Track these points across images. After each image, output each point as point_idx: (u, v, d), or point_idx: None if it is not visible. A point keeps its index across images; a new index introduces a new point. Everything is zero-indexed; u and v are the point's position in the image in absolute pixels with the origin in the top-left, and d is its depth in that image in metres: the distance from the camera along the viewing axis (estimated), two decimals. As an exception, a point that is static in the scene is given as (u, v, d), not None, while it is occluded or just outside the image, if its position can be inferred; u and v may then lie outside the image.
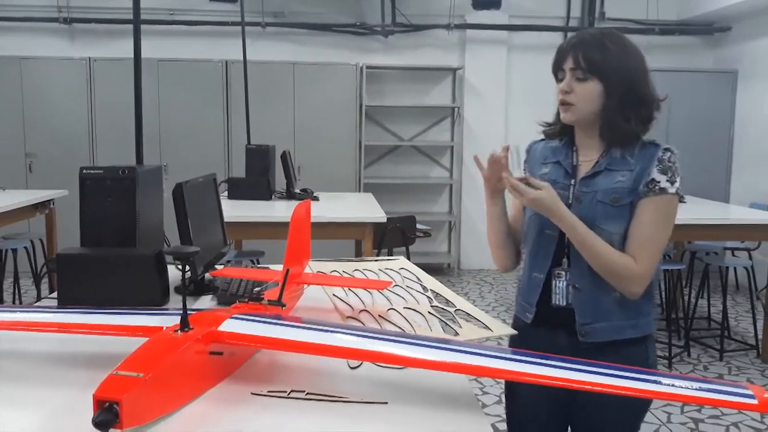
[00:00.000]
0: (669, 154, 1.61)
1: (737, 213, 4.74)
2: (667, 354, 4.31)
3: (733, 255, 5.44)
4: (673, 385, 1.21)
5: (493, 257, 1.87)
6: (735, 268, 5.92)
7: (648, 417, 3.46)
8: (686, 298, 4.94)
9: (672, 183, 1.59)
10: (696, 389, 1.19)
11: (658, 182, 1.58)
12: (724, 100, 6.78)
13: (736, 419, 3.49)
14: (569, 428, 1.78)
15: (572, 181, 1.66)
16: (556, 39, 7.06)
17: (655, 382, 1.22)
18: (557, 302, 1.67)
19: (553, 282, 1.67)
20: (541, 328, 1.70)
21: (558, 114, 1.71)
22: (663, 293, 5.20)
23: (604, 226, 1.58)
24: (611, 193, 1.59)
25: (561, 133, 1.74)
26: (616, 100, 1.58)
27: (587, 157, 1.68)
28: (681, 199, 1.63)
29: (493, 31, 6.95)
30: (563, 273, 1.66)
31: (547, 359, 1.31)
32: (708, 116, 6.72)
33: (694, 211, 4.54)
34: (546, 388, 1.31)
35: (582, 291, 1.63)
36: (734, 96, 6.80)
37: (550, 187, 1.58)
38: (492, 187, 1.71)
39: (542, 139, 1.81)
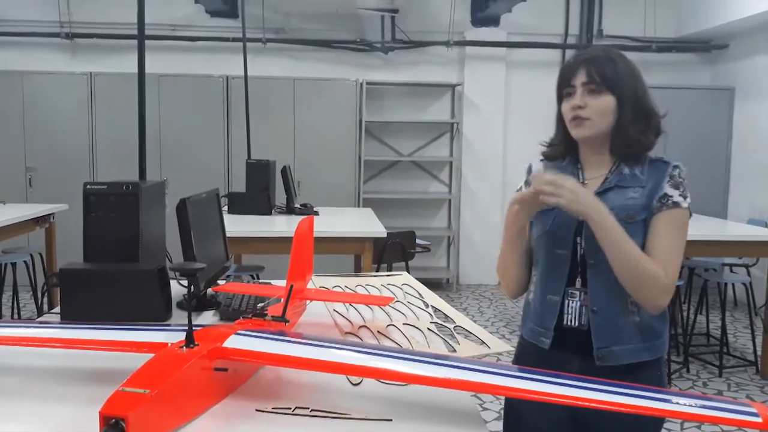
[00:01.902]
0: (678, 170, 1.60)
1: (735, 229, 4.75)
2: (666, 370, 4.30)
3: (732, 271, 5.45)
4: (677, 403, 1.21)
5: (508, 284, 1.77)
6: (733, 285, 5.93)
7: None
8: (685, 314, 4.94)
9: (684, 198, 1.58)
10: (700, 407, 1.19)
11: (671, 197, 1.57)
12: (722, 117, 6.82)
13: (736, 436, 3.48)
14: None
15: None
16: (555, 56, 7.11)
17: (660, 399, 1.22)
18: (569, 323, 1.62)
19: (566, 302, 1.63)
20: (554, 353, 1.64)
21: (558, 134, 1.69)
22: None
23: None
24: (625, 209, 1.56)
25: (564, 153, 1.71)
26: (630, 112, 1.59)
27: (594, 174, 1.66)
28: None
29: (491, 48, 7.00)
30: (577, 293, 1.62)
31: (550, 376, 1.32)
32: (705, 133, 6.75)
33: (692, 227, 4.48)
34: (550, 408, 1.31)
35: (599, 314, 1.59)
36: (731, 113, 6.84)
37: (575, 181, 1.53)
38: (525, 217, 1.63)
39: (541, 160, 1.77)
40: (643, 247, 1.56)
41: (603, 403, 1.20)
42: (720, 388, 4.22)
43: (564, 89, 1.64)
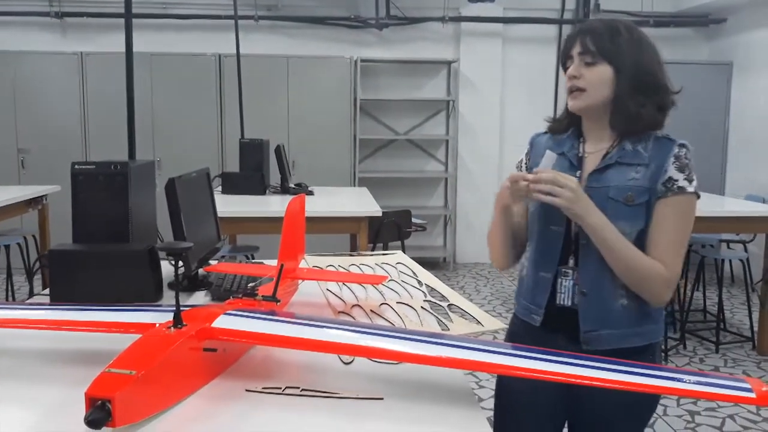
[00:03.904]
0: (685, 150, 1.52)
1: (732, 205, 4.74)
2: (663, 346, 4.32)
3: (729, 247, 5.44)
4: (671, 379, 1.20)
5: (494, 255, 1.75)
6: (730, 261, 5.93)
7: (644, 409, 3.47)
8: (682, 290, 4.94)
9: (690, 181, 1.50)
10: (694, 383, 1.18)
11: (676, 181, 1.49)
12: (720, 92, 6.78)
13: (732, 411, 3.49)
14: (566, 423, 1.73)
15: (578, 173, 1.57)
16: (551, 31, 7.04)
17: (653, 376, 1.21)
18: (562, 302, 1.57)
19: (559, 280, 1.58)
20: (544, 332, 1.61)
21: (567, 108, 1.62)
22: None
23: (615, 224, 1.48)
24: (625, 190, 1.50)
25: (568, 126, 1.65)
26: (629, 84, 1.51)
27: (595, 148, 1.59)
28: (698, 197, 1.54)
29: (487, 24, 6.93)
30: (570, 272, 1.57)
31: (544, 354, 1.30)
32: (703, 108, 6.71)
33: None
34: (543, 385, 1.30)
35: (588, 296, 1.54)
36: (729, 88, 6.79)
37: (577, 182, 1.47)
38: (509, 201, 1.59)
39: (545, 132, 1.73)
40: (644, 231, 1.51)
41: (596, 380, 1.19)
42: (717, 364, 4.23)
43: (565, 61, 1.59)
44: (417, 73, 7.08)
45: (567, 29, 7.08)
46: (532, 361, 1.26)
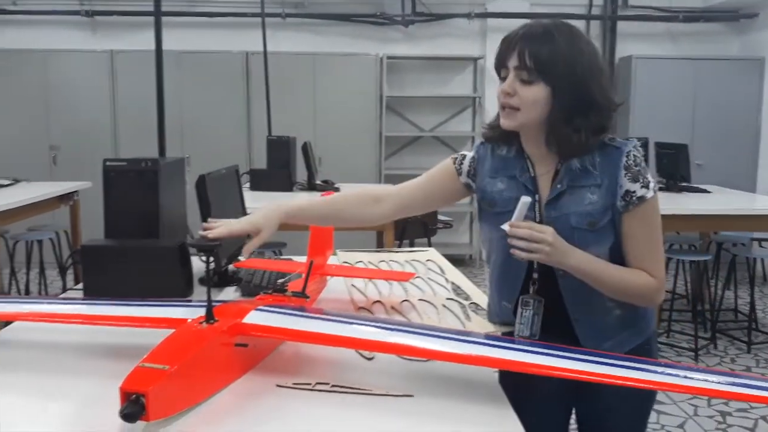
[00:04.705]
0: (633, 155, 1.44)
1: (764, 203, 4.65)
2: (693, 346, 4.26)
3: (761, 246, 5.35)
4: (704, 381, 1.19)
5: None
6: (762, 259, 5.82)
7: (674, 410, 3.43)
8: (713, 289, 4.87)
9: (647, 186, 1.43)
10: (725, 384, 1.17)
11: (634, 192, 1.42)
12: (751, 88, 6.65)
13: (764, 412, 3.43)
14: (574, 411, 1.70)
15: (536, 197, 1.48)
16: (579, 27, 6.95)
17: (686, 377, 1.20)
18: (520, 333, 1.48)
19: (519, 310, 1.49)
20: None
21: (497, 116, 1.51)
22: (689, 285, 5.14)
23: (587, 251, 1.42)
24: (585, 216, 1.43)
25: (504, 138, 1.54)
26: (565, 106, 1.40)
27: (544, 169, 1.49)
28: (663, 189, 1.49)
29: (514, 20, 6.87)
30: (531, 301, 1.49)
31: (569, 352, 1.30)
32: (734, 105, 6.59)
33: (721, 202, 4.47)
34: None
35: (581, 322, 1.50)
36: (761, 84, 6.66)
37: (552, 232, 1.37)
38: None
39: (482, 143, 1.61)
40: (616, 244, 1.45)
41: (625, 379, 1.18)
42: (748, 364, 4.16)
43: (500, 69, 1.47)
44: (443, 70, 7.05)
45: (595, 25, 7.01)
46: (559, 359, 1.25)
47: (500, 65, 1.46)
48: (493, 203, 1.54)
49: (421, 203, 1.69)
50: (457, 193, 1.66)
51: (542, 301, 1.49)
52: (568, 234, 1.42)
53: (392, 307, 1.84)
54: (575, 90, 1.40)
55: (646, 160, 1.48)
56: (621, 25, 6.98)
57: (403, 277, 2.04)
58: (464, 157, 1.63)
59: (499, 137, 1.55)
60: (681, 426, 3.29)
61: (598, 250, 1.44)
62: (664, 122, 6.36)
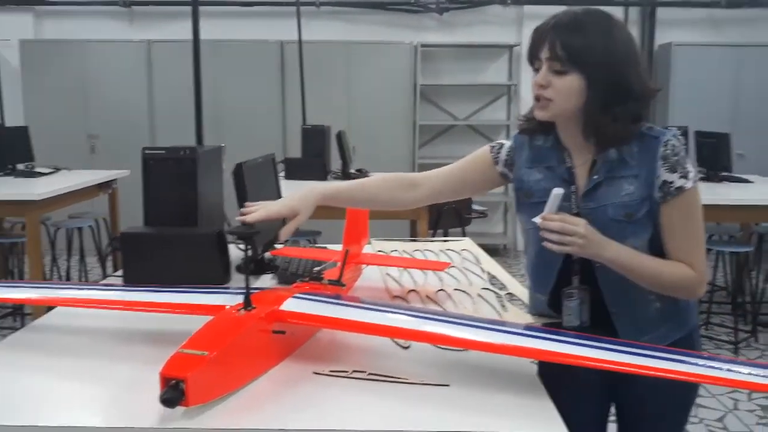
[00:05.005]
0: (671, 145, 1.40)
1: (809, 193, 4.52)
2: (733, 339, 4.18)
3: (804, 237, 5.21)
4: (749, 374, 1.16)
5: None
6: (805, 251, 5.67)
7: (713, 403, 3.37)
8: (753, 281, 4.76)
9: (686, 177, 1.39)
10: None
11: (672, 183, 1.39)
12: (797, 76, 6.46)
13: (806, 407, 3.36)
14: (613, 407, 1.67)
15: (572, 188, 1.46)
16: (617, 13, 6.82)
17: (729, 371, 1.17)
18: (570, 323, 1.48)
19: (564, 302, 1.49)
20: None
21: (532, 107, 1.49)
22: (729, 276, 5.03)
23: (624, 243, 1.40)
24: (623, 208, 1.41)
25: (541, 129, 1.52)
26: (600, 95, 1.38)
27: (581, 159, 1.47)
28: (704, 179, 1.46)
29: (551, 6, 6.72)
30: (574, 292, 1.47)
31: (608, 343, 1.28)
32: (780, 92, 6.42)
33: (763, 192, 4.36)
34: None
35: (620, 315, 1.47)
36: (808, 71, 6.48)
37: (585, 224, 1.35)
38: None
39: (518, 133, 1.59)
40: (654, 236, 1.43)
41: (666, 371, 1.16)
42: (789, 357, 4.08)
43: (533, 61, 1.45)
44: (478, 58, 6.99)
45: (633, 12, 6.88)
46: (599, 351, 1.23)
47: (533, 57, 1.45)
48: (530, 193, 1.53)
49: (455, 190, 1.69)
50: (493, 182, 1.65)
51: (587, 289, 1.48)
52: (606, 225, 1.40)
53: (427, 296, 1.83)
54: (610, 78, 1.38)
55: (686, 150, 1.44)
56: (660, 12, 6.84)
57: (438, 267, 2.03)
58: (502, 146, 1.62)
59: (535, 128, 1.53)
60: (720, 420, 3.23)
61: (636, 241, 1.41)
62: (704, 111, 6.22)
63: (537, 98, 1.44)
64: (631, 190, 1.41)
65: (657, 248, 1.44)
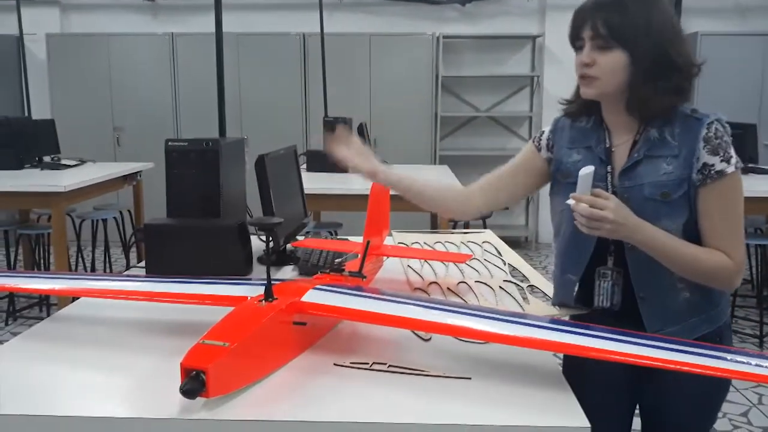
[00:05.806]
0: (714, 128, 1.40)
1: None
2: (758, 333, 4.12)
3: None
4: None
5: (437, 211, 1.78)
6: (835, 244, 5.57)
7: (737, 398, 3.33)
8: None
9: (728, 161, 1.38)
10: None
11: (712, 166, 1.38)
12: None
13: (834, 403, 3.30)
14: (637, 407, 1.65)
15: (608, 168, 1.48)
16: (643, 3, 6.74)
17: (758, 366, 1.15)
18: (600, 304, 1.48)
19: (597, 282, 1.49)
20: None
21: (578, 89, 1.51)
22: (754, 269, 4.96)
23: (658, 224, 1.38)
24: (660, 187, 1.40)
25: (584, 110, 1.54)
26: (644, 69, 1.39)
27: (621, 138, 1.49)
28: (743, 166, 1.44)
29: (574, -3, 6.70)
30: (609, 272, 1.47)
31: (632, 336, 1.26)
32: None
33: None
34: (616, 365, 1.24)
35: (646, 300, 1.46)
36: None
37: (615, 205, 1.34)
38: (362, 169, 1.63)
39: (562, 116, 1.61)
40: (690, 221, 1.41)
41: (692, 366, 1.14)
42: (818, 352, 4.01)
43: (575, 41, 1.47)
44: (500, 49, 6.93)
45: (660, 0, 6.77)
46: (625, 345, 1.22)
47: (575, 38, 1.47)
48: (567, 174, 1.54)
49: (509, 192, 1.69)
50: (542, 174, 1.65)
51: (621, 272, 1.47)
52: (641, 205, 1.40)
53: (449, 289, 1.82)
54: (653, 53, 1.39)
55: (730, 135, 1.43)
56: (686, 1, 6.72)
57: (459, 259, 2.02)
58: (542, 133, 1.65)
59: (579, 110, 1.56)
60: (744, 414, 3.19)
61: (670, 224, 1.40)
62: (730, 101, 6.12)
63: (582, 77, 1.45)
64: (670, 170, 1.41)
65: (692, 236, 1.42)
